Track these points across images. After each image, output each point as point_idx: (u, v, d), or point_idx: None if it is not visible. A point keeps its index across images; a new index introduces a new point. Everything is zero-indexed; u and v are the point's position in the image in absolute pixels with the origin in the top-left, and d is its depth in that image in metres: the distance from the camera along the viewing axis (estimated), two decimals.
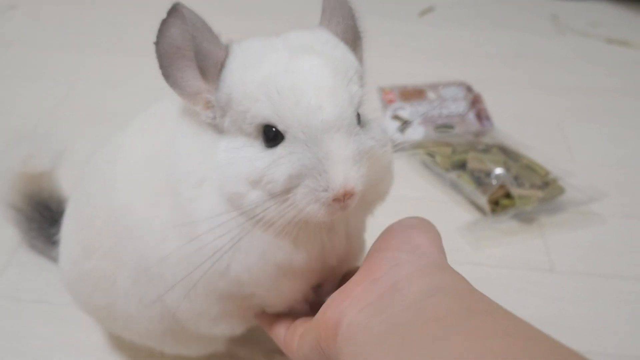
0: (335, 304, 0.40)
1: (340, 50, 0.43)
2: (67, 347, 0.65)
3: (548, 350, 0.30)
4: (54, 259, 0.71)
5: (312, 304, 0.50)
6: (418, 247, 0.41)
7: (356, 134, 0.40)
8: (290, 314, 0.49)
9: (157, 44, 0.42)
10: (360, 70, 0.44)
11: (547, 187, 0.85)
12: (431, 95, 1.02)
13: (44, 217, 0.69)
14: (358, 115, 0.41)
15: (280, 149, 0.39)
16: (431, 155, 0.90)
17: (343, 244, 0.46)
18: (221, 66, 0.42)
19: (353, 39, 0.46)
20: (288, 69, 0.39)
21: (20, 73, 1.13)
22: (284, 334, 0.48)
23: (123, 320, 0.53)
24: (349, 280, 0.41)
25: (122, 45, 1.23)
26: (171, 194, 0.45)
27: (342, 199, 0.39)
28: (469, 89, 1.04)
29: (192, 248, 0.43)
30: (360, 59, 0.46)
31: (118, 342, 0.64)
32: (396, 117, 0.97)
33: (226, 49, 0.42)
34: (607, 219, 0.86)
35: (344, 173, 0.38)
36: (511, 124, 1.02)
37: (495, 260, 0.78)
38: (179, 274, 0.44)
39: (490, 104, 1.03)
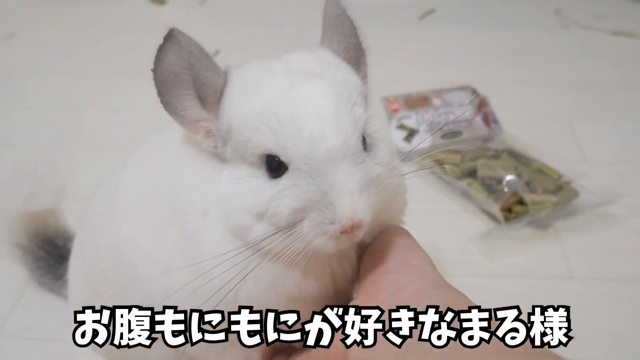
0: (342, 330, 0.39)
1: (342, 72, 0.42)
2: None
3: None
4: (64, 295, 0.70)
5: None
6: (416, 267, 0.40)
7: (362, 162, 0.39)
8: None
9: (154, 71, 0.41)
10: (364, 90, 0.43)
11: (561, 191, 0.83)
12: (436, 101, 1.01)
13: (50, 254, 0.69)
14: (363, 139, 0.40)
15: (284, 180, 0.38)
16: (440, 164, 0.88)
17: (355, 268, 0.45)
18: (220, 94, 0.41)
19: (356, 56, 0.44)
20: (288, 96, 0.38)
21: (20, 103, 1.13)
22: None
23: (137, 358, 0.52)
24: (352, 304, 0.40)
25: (121, 68, 1.23)
26: (175, 225, 0.44)
27: (350, 230, 0.38)
28: (474, 92, 1.02)
29: (199, 281, 0.42)
30: (363, 77, 0.45)
31: None
32: (402, 127, 0.96)
33: (224, 76, 0.41)
34: (624, 219, 0.84)
35: (351, 205, 0.37)
36: (519, 125, 1.01)
37: (511, 269, 0.77)
38: (186, 307, 0.43)
39: (497, 105, 1.01)
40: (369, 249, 0.44)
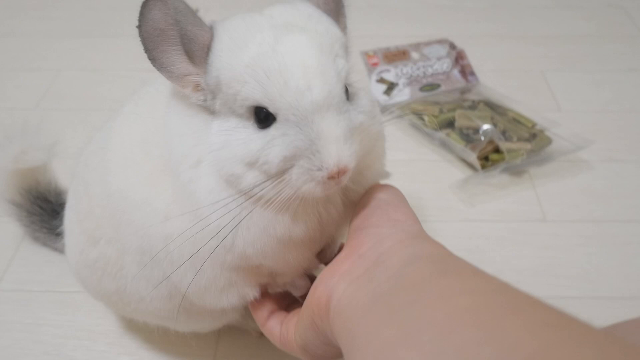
0: (325, 281, 0.41)
1: (324, 24, 0.43)
2: (79, 334, 0.66)
3: (508, 299, 0.32)
4: (58, 249, 0.72)
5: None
6: (397, 221, 0.43)
7: (345, 111, 0.41)
8: (281, 311, 0.51)
9: (139, 27, 0.41)
10: (344, 41, 0.44)
11: (535, 138, 0.86)
12: (415, 55, 1.03)
13: (43, 209, 0.70)
14: (346, 89, 0.42)
15: (272, 131, 0.40)
16: (419, 115, 0.91)
17: (341, 212, 0.47)
18: (207, 49, 0.42)
19: (335, 8, 0.46)
20: (274, 49, 0.40)
21: (2, 64, 1.12)
22: (279, 330, 0.50)
23: (134, 303, 0.55)
24: (336, 257, 0.43)
25: (103, 28, 1.22)
26: (169, 175, 0.46)
27: (337, 176, 0.40)
28: (452, 45, 1.04)
29: (196, 227, 0.44)
30: (343, 28, 0.46)
31: (129, 326, 0.66)
32: (382, 80, 0.98)
33: (211, 31, 0.42)
34: (594, 164, 0.88)
35: (337, 152, 0.39)
36: (495, 78, 1.03)
37: (488, 214, 0.80)
38: (185, 253, 0.46)
39: (473, 58, 1.03)
40: (358, 205, 0.46)
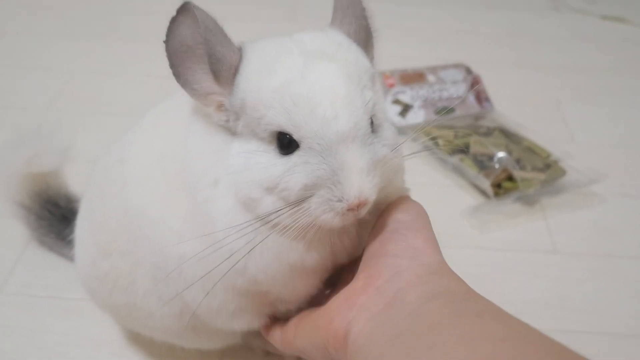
0: (342, 313, 0.41)
1: (354, 54, 0.43)
2: (83, 342, 0.65)
3: (531, 347, 0.31)
4: (65, 255, 0.71)
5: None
6: (416, 249, 0.41)
7: (370, 143, 0.40)
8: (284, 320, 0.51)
9: (166, 42, 0.41)
10: (373, 72, 0.44)
11: (549, 169, 0.86)
12: (431, 78, 1.03)
13: (53, 214, 0.69)
14: (371, 121, 0.41)
15: (295, 158, 0.40)
16: (433, 139, 0.90)
17: (355, 243, 0.47)
18: (235, 70, 0.41)
19: (365, 38, 0.45)
20: (303, 76, 0.39)
21: (15, 64, 1.12)
22: (279, 333, 0.49)
23: (143, 318, 0.54)
24: (351, 286, 0.42)
25: (118, 32, 1.22)
26: (186, 194, 0.45)
27: (356, 208, 0.39)
28: (468, 70, 1.04)
29: (210, 249, 0.43)
30: (372, 59, 0.46)
31: (134, 337, 0.65)
32: (397, 102, 0.97)
33: (239, 52, 0.42)
34: (607, 198, 0.87)
35: (359, 184, 0.39)
36: (510, 105, 1.03)
37: (499, 243, 0.80)
38: (197, 273, 0.45)
39: (489, 85, 1.03)
40: (376, 225, 0.45)
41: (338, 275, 0.49)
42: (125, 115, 0.52)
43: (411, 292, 0.38)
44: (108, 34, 1.21)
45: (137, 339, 0.65)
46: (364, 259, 0.44)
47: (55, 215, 0.69)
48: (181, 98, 0.48)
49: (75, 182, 0.72)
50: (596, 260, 0.78)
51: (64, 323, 0.67)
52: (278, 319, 0.51)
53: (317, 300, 0.47)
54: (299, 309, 0.50)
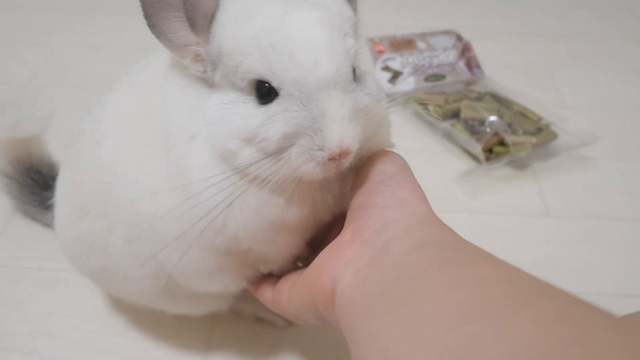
0: (329, 269, 0.39)
1: (336, 2, 0.41)
2: (68, 312, 0.64)
3: (521, 289, 0.30)
4: (49, 225, 0.70)
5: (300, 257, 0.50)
6: (403, 199, 0.40)
7: (352, 91, 0.39)
8: (274, 276, 0.50)
9: None
10: (355, 21, 0.42)
11: (540, 132, 0.85)
12: (421, 44, 1.01)
13: (35, 182, 0.68)
14: (353, 70, 0.40)
15: (274, 106, 0.38)
16: (424, 105, 0.89)
17: (337, 200, 0.45)
18: (211, 18, 0.40)
19: None
20: (282, 22, 0.38)
21: None
22: (271, 293, 0.48)
23: (120, 281, 0.53)
24: (338, 240, 0.41)
25: (101, 4, 1.19)
26: (162, 150, 0.43)
27: (338, 157, 0.38)
28: (458, 37, 1.03)
29: (186, 205, 0.42)
30: (354, 8, 0.44)
31: (119, 306, 0.64)
32: (387, 68, 0.96)
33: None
34: (599, 162, 0.86)
35: (341, 132, 0.37)
36: (501, 72, 1.02)
37: (491, 207, 0.79)
38: (173, 231, 0.44)
39: (480, 52, 1.02)
40: (359, 177, 0.43)
41: (325, 237, 0.47)
42: (108, 88, 0.52)
43: (399, 243, 0.37)
44: (91, 6, 1.19)
45: (124, 308, 0.64)
46: (349, 211, 0.42)
47: (38, 183, 0.68)
48: (159, 55, 0.46)
49: (58, 152, 0.70)
50: (588, 222, 0.77)
51: (50, 294, 0.66)
52: (266, 276, 0.50)
53: (307, 263, 0.46)
54: (284, 271, 0.49)
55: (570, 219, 0.78)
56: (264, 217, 0.42)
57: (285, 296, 0.45)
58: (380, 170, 0.42)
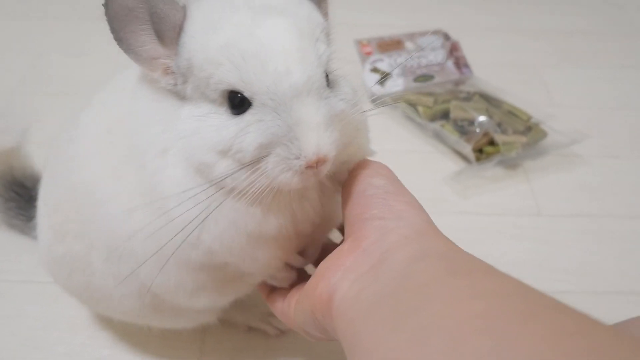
0: (328, 277, 0.39)
1: (305, 8, 0.40)
2: (57, 326, 0.64)
3: (525, 304, 0.30)
4: (36, 237, 0.69)
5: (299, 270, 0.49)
6: (401, 212, 0.40)
7: (326, 97, 0.38)
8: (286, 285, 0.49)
9: (106, 6, 0.39)
10: (326, 26, 0.41)
11: (530, 131, 0.84)
12: (409, 45, 1.01)
13: (20, 195, 0.67)
14: (326, 76, 0.39)
15: (248, 116, 0.38)
16: (413, 106, 0.89)
17: (317, 210, 0.44)
18: (179, 29, 0.39)
19: None
20: (251, 31, 0.37)
21: None
22: (281, 304, 0.47)
23: (104, 301, 0.52)
24: (338, 250, 0.40)
25: (85, 11, 1.18)
26: (135, 167, 0.43)
27: (315, 165, 0.37)
28: (446, 37, 1.02)
29: (160, 222, 0.41)
30: (325, 14, 0.44)
31: (108, 320, 0.63)
32: (375, 70, 0.95)
33: (183, 10, 0.40)
34: (589, 160, 0.86)
35: (317, 140, 0.37)
36: (490, 71, 1.01)
37: (482, 207, 0.79)
38: (150, 249, 0.43)
39: (468, 51, 1.02)
40: (348, 191, 0.43)
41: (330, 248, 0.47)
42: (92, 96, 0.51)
43: (398, 253, 0.36)
44: (73, 13, 1.17)
45: (111, 322, 0.63)
46: (348, 224, 0.42)
47: (22, 197, 0.66)
48: (131, 72, 0.46)
49: (41, 163, 0.69)
50: (581, 221, 0.77)
51: (39, 308, 0.65)
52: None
53: None
54: (292, 285, 0.48)
55: (562, 217, 0.78)
56: (239, 229, 0.41)
57: (292, 309, 0.45)
58: (371, 184, 0.42)
